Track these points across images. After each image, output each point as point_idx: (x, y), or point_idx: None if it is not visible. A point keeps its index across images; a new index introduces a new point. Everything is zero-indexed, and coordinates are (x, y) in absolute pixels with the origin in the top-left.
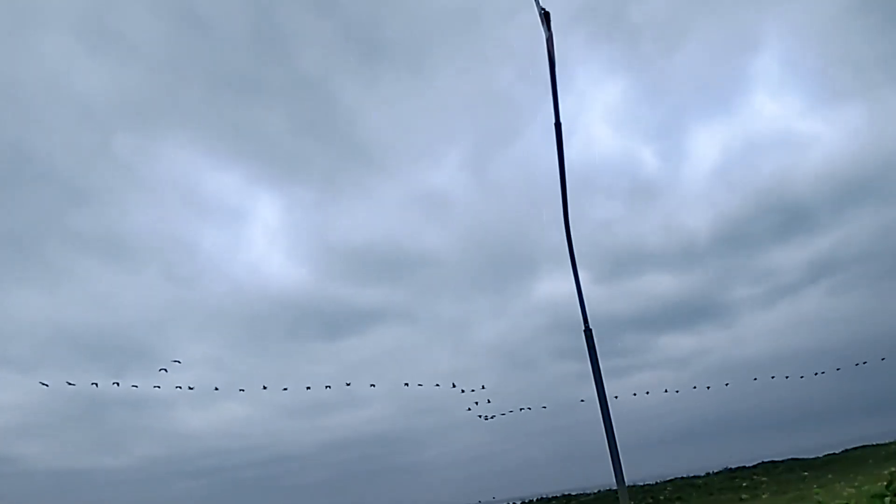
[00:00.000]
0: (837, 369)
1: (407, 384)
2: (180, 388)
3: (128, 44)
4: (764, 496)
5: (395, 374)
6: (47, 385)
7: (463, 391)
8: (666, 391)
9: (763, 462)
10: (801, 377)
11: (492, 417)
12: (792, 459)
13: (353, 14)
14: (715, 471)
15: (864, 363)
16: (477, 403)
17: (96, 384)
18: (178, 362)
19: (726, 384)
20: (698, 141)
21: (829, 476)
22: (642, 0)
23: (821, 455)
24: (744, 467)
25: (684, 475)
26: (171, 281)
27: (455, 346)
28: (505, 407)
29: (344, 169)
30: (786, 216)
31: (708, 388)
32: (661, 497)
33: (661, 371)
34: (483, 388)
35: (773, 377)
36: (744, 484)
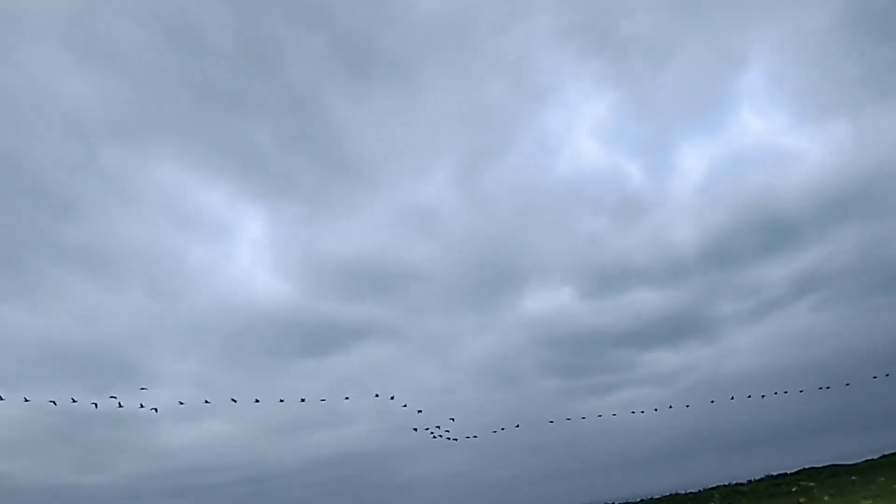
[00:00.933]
0: (800, 391)
1: (377, 395)
2: (143, 406)
3: (117, 56)
4: (825, 498)
5: (379, 391)
6: (23, 400)
7: (428, 429)
8: (656, 409)
9: (805, 468)
10: (771, 394)
11: (454, 439)
12: (833, 465)
13: (343, 29)
14: (756, 478)
15: (828, 388)
16: (439, 427)
17: (52, 399)
18: (145, 389)
19: (711, 401)
20: (685, 156)
21: (882, 479)
22: (631, 17)
23: (859, 461)
24: (785, 474)
25: (726, 483)
26: (156, 296)
27: (441, 363)
28: (489, 423)
29: (332, 184)
30: (771, 232)
31: (687, 406)
32: None
33: (647, 387)
34: (452, 420)
35: (747, 396)
36: (793, 489)
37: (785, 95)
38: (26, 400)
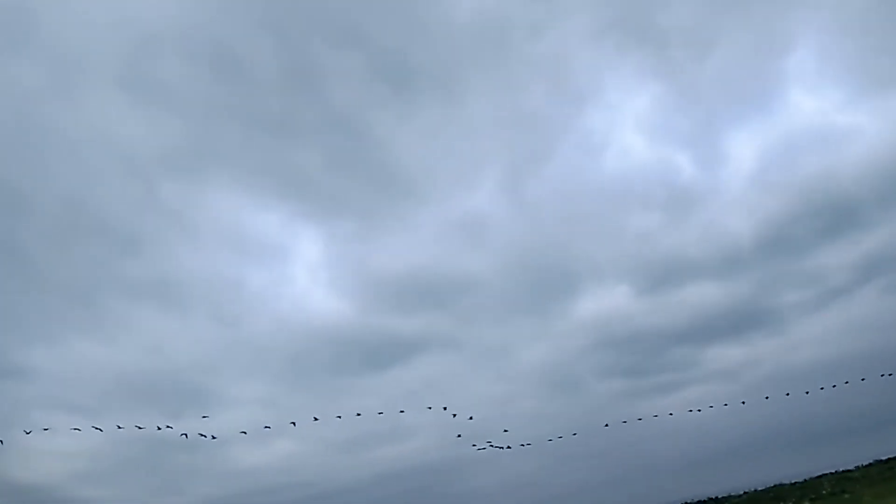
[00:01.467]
0: (862, 379)
1: (430, 407)
2: (204, 435)
3: (168, 94)
4: None
5: (439, 402)
6: (100, 430)
7: (475, 445)
8: (711, 406)
9: None
10: (841, 384)
11: (508, 447)
12: None
13: (380, 47)
14: (864, 464)
15: (890, 374)
16: (490, 442)
17: (121, 426)
18: (207, 417)
19: (766, 397)
20: (735, 144)
21: None
22: (670, 6)
23: None
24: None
25: (834, 470)
26: (219, 322)
27: (498, 372)
28: (549, 430)
29: (381, 200)
30: (832, 215)
31: (743, 403)
32: (824, 492)
33: (710, 384)
34: (506, 431)
35: (805, 392)
36: None
37: (836, 72)
38: (98, 429)
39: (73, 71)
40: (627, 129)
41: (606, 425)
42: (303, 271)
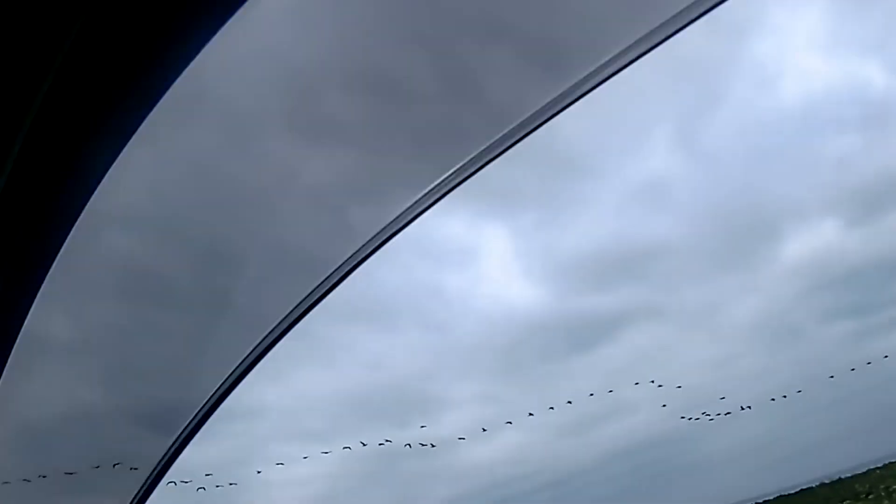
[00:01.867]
0: None
1: (637, 383)
2: (424, 445)
3: (337, 125)
4: None
5: (651, 374)
6: (328, 453)
7: (684, 417)
8: None
9: None
10: None
11: (727, 414)
12: None
13: (526, 33)
14: None
15: None
16: (707, 413)
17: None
18: (424, 427)
19: None
20: None
21: None
22: None
23: None
24: None
25: None
26: (427, 331)
27: (708, 334)
28: (772, 388)
29: (557, 184)
30: None
31: None
32: None
33: None
34: (722, 398)
35: None
36: None
37: None
38: (326, 453)
39: (244, 126)
40: (800, 50)
41: (832, 377)
42: (496, 267)
